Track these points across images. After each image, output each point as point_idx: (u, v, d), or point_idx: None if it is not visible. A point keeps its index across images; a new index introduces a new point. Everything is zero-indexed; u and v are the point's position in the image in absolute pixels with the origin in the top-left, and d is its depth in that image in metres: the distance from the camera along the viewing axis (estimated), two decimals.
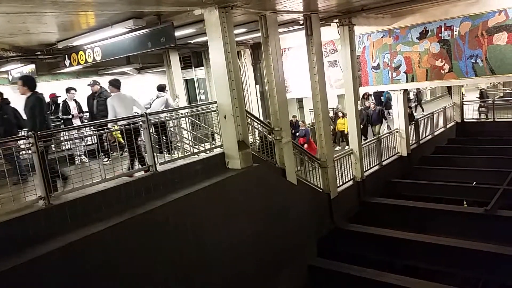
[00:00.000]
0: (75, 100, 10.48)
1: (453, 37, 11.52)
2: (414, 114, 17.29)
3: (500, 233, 9.38)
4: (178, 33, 8.54)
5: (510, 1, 10.51)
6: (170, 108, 9.01)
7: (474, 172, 13.65)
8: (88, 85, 9.96)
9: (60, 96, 11.75)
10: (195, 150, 7.97)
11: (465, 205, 13.54)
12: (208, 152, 7.91)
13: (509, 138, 16.01)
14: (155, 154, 6.72)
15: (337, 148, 14.58)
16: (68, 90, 10.80)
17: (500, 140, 16.04)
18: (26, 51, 10.41)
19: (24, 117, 6.98)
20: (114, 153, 9.44)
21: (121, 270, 5.55)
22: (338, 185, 10.89)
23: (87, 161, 8.30)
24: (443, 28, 11.64)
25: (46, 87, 13.37)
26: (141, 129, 6.71)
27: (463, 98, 18.95)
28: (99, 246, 5.29)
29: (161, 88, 9.55)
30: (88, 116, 10.95)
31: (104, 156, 7.58)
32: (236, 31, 8.37)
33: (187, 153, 7.68)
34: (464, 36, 11.35)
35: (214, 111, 7.90)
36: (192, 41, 11.78)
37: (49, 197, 5.35)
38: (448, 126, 17.98)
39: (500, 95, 24.00)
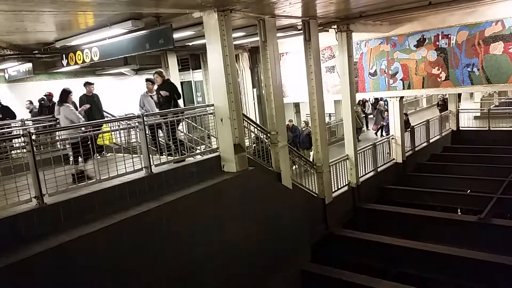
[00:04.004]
0: None
1: (450, 46, 11.60)
2: None
3: (493, 241, 9.43)
4: (176, 35, 8.56)
5: (506, 12, 10.60)
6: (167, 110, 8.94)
7: (469, 180, 13.71)
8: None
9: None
10: (191, 152, 7.95)
11: (459, 213, 13.58)
12: (203, 154, 7.90)
13: (503, 147, 16.10)
14: (150, 156, 6.70)
15: None
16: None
17: (495, 149, 16.14)
18: (24, 50, 10.36)
19: None
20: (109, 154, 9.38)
21: (113, 271, 5.51)
22: (333, 190, 10.89)
23: (81, 161, 8.27)
24: (440, 37, 11.72)
25: (42, 86, 13.38)
26: (137, 130, 6.70)
27: (459, 106, 19.05)
28: (92, 247, 5.26)
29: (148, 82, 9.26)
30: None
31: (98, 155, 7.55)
32: (234, 35, 8.40)
33: (183, 155, 7.67)
34: (461, 45, 11.43)
35: (211, 113, 7.90)
36: (190, 44, 11.80)
37: (42, 197, 5.33)
38: (443, 134, 18.07)
39: (495, 104, 24.16)
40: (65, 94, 7.78)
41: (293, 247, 9.02)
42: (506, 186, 12.03)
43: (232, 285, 7.30)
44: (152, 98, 9.12)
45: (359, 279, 8.48)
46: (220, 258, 7.09)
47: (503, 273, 8.18)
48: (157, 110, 8.79)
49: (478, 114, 20.51)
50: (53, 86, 13.08)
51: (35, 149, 5.38)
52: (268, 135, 8.87)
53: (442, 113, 18.76)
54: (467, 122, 19.19)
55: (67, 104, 7.72)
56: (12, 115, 11.13)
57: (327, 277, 8.81)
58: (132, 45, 8.14)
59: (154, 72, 8.52)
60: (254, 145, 9.49)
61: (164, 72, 8.82)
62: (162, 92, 8.17)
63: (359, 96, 14.33)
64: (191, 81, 16.21)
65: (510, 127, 17.94)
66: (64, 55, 9.99)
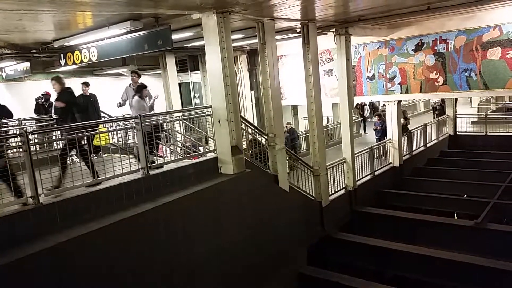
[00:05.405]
0: None
1: (448, 50, 11.65)
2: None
3: (489, 246, 9.44)
4: (175, 36, 8.55)
5: (504, 17, 10.66)
6: (166, 111, 8.97)
7: (465, 184, 13.73)
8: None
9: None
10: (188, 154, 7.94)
11: (456, 218, 13.61)
12: (201, 156, 7.89)
13: (500, 152, 16.18)
14: (147, 157, 6.69)
15: None
16: None
17: (491, 154, 16.21)
18: (22, 49, 10.34)
19: None
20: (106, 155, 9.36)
21: (109, 272, 5.49)
22: (330, 193, 10.89)
23: (78, 161, 8.24)
24: (438, 41, 11.77)
25: (40, 86, 13.33)
26: (134, 130, 6.69)
27: (456, 111, 19.12)
28: (88, 247, 5.24)
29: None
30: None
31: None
32: (233, 37, 8.40)
33: (180, 157, 7.66)
34: (459, 50, 11.48)
35: (209, 115, 7.89)
36: (189, 45, 11.79)
37: (38, 196, 5.30)
38: (440, 138, 18.12)
39: (492, 109, 24.26)
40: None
41: (290, 249, 9.02)
42: (503, 191, 12.04)
43: (229, 287, 7.28)
44: (134, 90, 9.13)
45: (355, 283, 8.48)
46: (217, 260, 7.08)
47: (499, 278, 8.19)
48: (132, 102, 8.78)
49: (476, 119, 20.58)
50: (51, 86, 13.04)
51: (31, 149, 5.35)
52: (266, 137, 8.88)
53: (439, 118, 18.83)
54: (464, 127, 19.25)
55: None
56: (9, 114, 11.08)
57: (324, 280, 8.80)
58: (130, 46, 8.12)
59: (51, 78, 7.31)
60: (252, 150, 9.46)
61: (63, 79, 7.27)
62: (57, 103, 7.10)
63: (357, 100, 14.36)
64: (189, 82, 16.21)
65: (507, 132, 18.02)
66: (62, 55, 9.96)
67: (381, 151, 14.28)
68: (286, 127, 13.37)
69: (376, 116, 15.54)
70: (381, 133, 14.76)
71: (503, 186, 12.39)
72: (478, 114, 21.42)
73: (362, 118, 21.41)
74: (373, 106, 23.46)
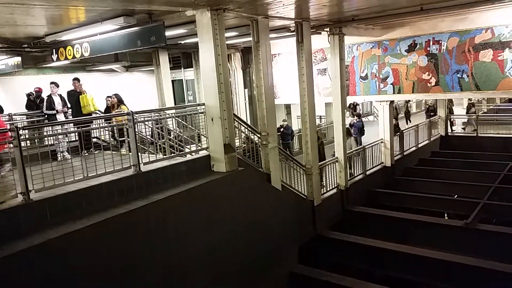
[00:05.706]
0: (60, 95, 10.29)
1: (441, 52, 11.72)
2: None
3: (479, 246, 9.53)
4: (169, 33, 8.49)
5: (496, 20, 10.75)
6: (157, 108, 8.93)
7: (456, 185, 13.86)
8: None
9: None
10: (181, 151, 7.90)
11: (446, 218, 13.71)
12: (193, 154, 7.86)
13: (491, 153, 16.34)
14: (139, 154, 6.65)
15: None
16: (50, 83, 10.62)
17: (482, 155, 16.37)
18: (12, 43, 10.22)
19: None
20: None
21: (99, 269, 5.45)
22: (322, 192, 10.92)
23: (69, 157, 8.19)
24: (431, 42, 11.84)
25: (31, 81, 13.21)
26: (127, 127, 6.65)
27: (452, 112, 19.24)
28: (78, 244, 5.19)
29: None
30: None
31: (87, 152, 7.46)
32: (227, 34, 8.38)
33: (172, 154, 7.63)
34: (451, 51, 11.56)
35: (202, 113, 7.86)
36: (182, 42, 11.73)
37: (29, 193, 5.25)
38: (432, 139, 18.25)
39: (484, 110, 24.47)
40: None
41: (281, 248, 9.03)
42: (492, 192, 12.17)
43: (220, 285, 7.27)
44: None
45: (346, 282, 8.51)
46: (208, 258, 7.07)
47: (488, 277, 8.26)
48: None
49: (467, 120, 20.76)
50: (42, 81, 12.93)
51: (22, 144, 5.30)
52: (259, 135, 8.87)
53: (431, 118, 18.96)
54: (456, 127, 19.38)
55: None
56: None
57: (314, 279, 8.82)
58: (123, 42, 8.04)
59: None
60: (244, 145, 9.47)
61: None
62: None
63: (349, 100, 14.40)
64: (182, 79, 16.13)
65: (497, 133, 18.20)
66: (54, 50, 9.84)
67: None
68: (282, 125, 13.41)
69: (356, 116, 15.78)
70: (358, 130, 14.90)
71: (493, 187, 12.52)
72: (469, 115, 21.57)
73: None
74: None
